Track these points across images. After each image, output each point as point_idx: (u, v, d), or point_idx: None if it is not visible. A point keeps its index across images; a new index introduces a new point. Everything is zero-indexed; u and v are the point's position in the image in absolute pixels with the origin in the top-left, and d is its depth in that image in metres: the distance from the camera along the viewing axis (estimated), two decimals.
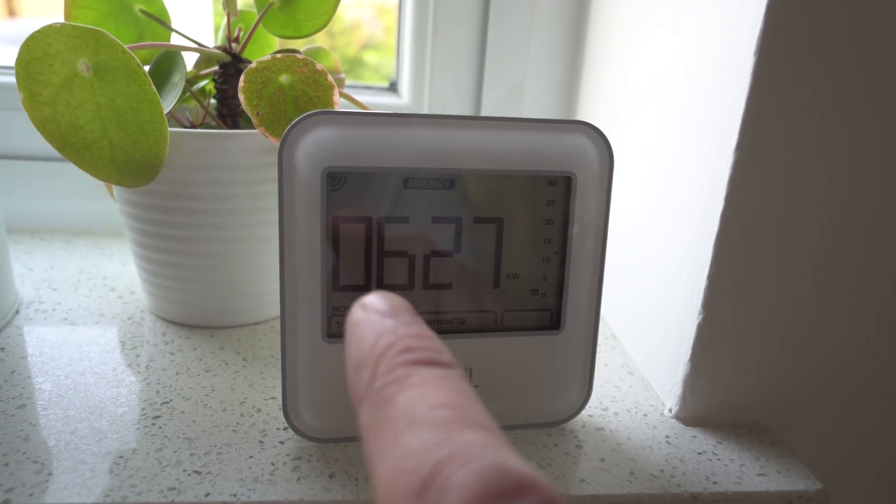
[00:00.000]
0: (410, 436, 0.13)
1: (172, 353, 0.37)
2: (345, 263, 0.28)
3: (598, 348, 0.41)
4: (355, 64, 0.68)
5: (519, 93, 0.56)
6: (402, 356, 0.15)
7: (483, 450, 0.12)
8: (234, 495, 0.26)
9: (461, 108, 0.58)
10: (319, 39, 0.65)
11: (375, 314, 0.16)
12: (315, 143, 0.27)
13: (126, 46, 0.31)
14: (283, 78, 0.33)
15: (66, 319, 0.40)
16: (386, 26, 0.66)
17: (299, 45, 0.44)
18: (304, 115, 0.27)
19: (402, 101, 0.59)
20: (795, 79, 0.28)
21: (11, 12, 0.66)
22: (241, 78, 0.32)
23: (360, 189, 0.28)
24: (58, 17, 0.37)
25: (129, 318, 0.41)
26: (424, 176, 0.28)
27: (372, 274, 0.29)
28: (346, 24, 0.68)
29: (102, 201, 0.54)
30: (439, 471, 0.12)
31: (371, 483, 0.14)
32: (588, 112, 0.51)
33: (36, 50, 0.30)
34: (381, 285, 0.29)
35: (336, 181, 0.27)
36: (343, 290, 0.28)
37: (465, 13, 0.55)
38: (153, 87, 0.31)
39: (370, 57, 0.69)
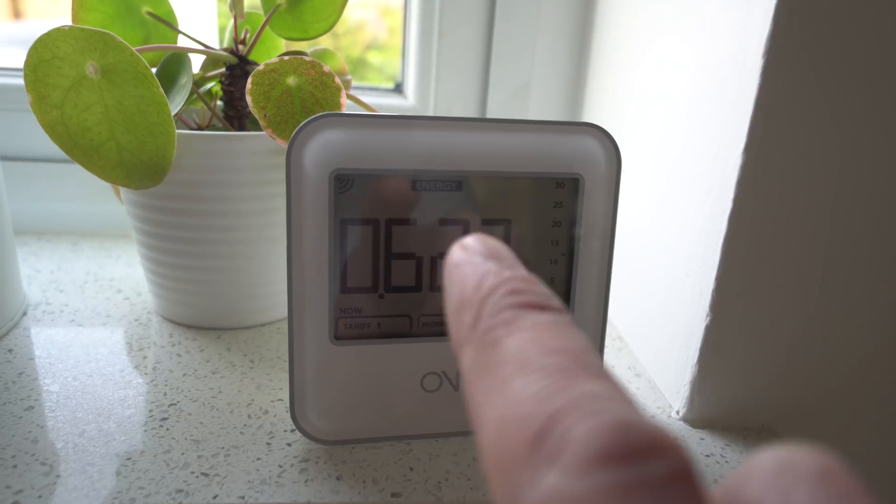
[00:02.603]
0: (523, 381, 0.12)
1: (179, 355, 0.37)
2: (352, 265, 0.28)
3: (605, 350, 0.40)
4: (359, 64, 0.68)
5: (525, 94, 0.56)
6: (509, 298, 0.14)
7: (607, 402, 0.11)
8: (242, 497, 0.26)
9: (467, 109, 0.58)
10: (324, 40, 0.65)
11: (478, 255, 0.15)
12: (323, 146, 0.27)
13: (133, 49, 0.31)
14: (291, 80, 0.33)
15: (73, 321, 0.40)
16: (390, 27, 0.66)
17: (305, 46, 0.44)
18: (312, 117, 0.27)
19: (407, 103, 0.59)
20: (804, 80, 0.28)
21: (17, 14, 0.66)
22: (249, 80, 0.32)
23: (367, 191, 0.28)
24: (63, 18, 0.37)
25: (136, 320, 0.41)
26: (432, 178, 0.28)
27: (379, 276, 0.29)
28: (350, 24, 0.68)
29: (110, 203, 0.54)
30: (558, 421, 0.11)
31: (476, 432, 0.12)
32: (594, 113, 0.51)
33: (44, 52, 0.30)
34: (389, 287, 0.29)
35: (344, 183, 0.27)
36: (350, 293, 0.28)
37: (471, 14, 0.55)
38: (161, 90, 0.31)
39: (374, 58, 0.69)
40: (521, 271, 0.15)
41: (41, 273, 0.46)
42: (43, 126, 0.32)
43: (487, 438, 0.12)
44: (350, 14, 0.68)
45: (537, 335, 0.13)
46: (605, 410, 0.11)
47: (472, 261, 0.15)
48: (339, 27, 0.70)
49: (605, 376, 0.12)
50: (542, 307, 0.14)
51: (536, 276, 0.15)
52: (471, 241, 0.16)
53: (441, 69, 0.56)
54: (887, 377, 0.35)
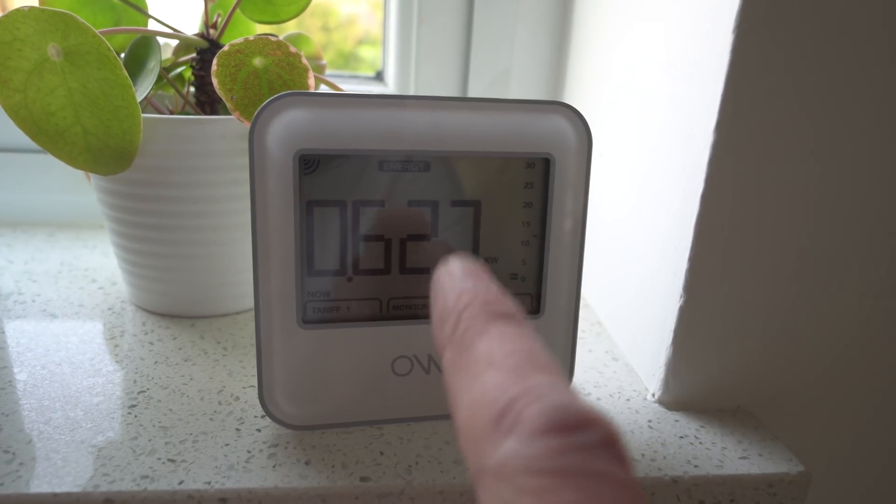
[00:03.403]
0: (489, 375, 0.15)
1: (152, 343, 0.36)
2: (319, 248, 0.28)
3: (584, 335, 0.40)
4: (351, 59, 0.68)
5: (505, 80, 0.56)
6: (482, 308, 0.17)
7: (550, 389, 0.14)
8: (208, 483, 0.26)
9: (447, 95, 0.57)
10: (316, 34, 0.65)
11: (458, 274, 0.19)
12: (287, 125, 0.26)
13: (98, 31, 0.30)
14: (257, 61, 0.32)
15: (45, 311, 0.39)
16: (381, 21, 0.66)
17: (282, 32, 0.44)
18: (276, 96, 0.26)
19: (388, 90, 0.59)
20: (774, 57, 0.28)
21: (4, 10, 0.65)
22: (214, 62, 0.32)
23: (334, 172, 0.27)
24: None
25: (110, 309, 0.40)
26: (399, 158, 0.28)
27: (347, 259, 0.28)
28: (341, 19, 0.68)
29: (86, 194, 0.54)
30: (513, 404, 0.14)
31: (453, 415, 0.16)
32: (574, 98, 0.51)
33: (4, 34, 0.30)
34: (357, 270, 0.28)
35: (309, 164, 0.27)
36: (318, 276, 0.28)
37: (451, 1, 0.54)
38: (124, 72, 0.31)
39: (366, 52, 0.68)
40: (494, 287, 0.19)
41: (14, 263, 0.46)
42: (6, 111, 0.31)
43: (462, 419, 0.15)
44: (341, 9, 0.67)
45: (501, 339, 0.16)
46: (549, 394, 0.14)
47: (453, 278, 0.19)
48: (331, 21, 0.69)
49: (551, 371, 0.15)
50: (507, 317, 0.17)
51: (506, 292, 0.18)
52: (454, 264, 0.20)
53: (421, 56, 0.56)
54: (862, 358, 0.35)
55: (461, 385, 0.16)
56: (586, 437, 0.13)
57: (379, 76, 0.61)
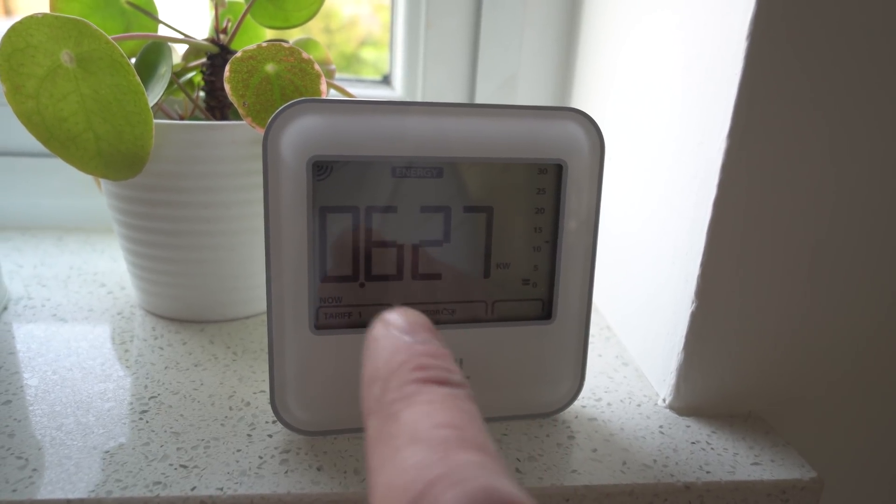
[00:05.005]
0: (409, 452, 0.13)
1: (162, 348, 0.36)
2: (332, 254, 0.28)
3: (594, 340, 0.40)
4: (353, 60, 0.68)
5: (513, 84, 0.56)
6: (413, 374, 0.15)
7: (476, 471, 0.12)
8: (221, 489, 0.26)
9: (455, 100, 0.57)
10: (318, 36, 0.65)
11: (395, 330, 0.17)
12: (300, 132, 0.26)
13: (110, 37, 0.31)
14: (270, 67, 0.32)
15: (55, 315, 0.39)
16: (384, 23, 0.66)
17: (290, 36, 0.44)
18: (289, 103, 0.26)
19: (395, 94, 0.59)
20: (788, 63, 0.28)
21: (7, 11, 0.65)
22: (227, 68, 0.32)
23: (346, 178, 0.27)
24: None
25: (119, 314, 0.40)
26: (412, 164, 0.28)
27: (360, 264, 0.28)
28: (343, 20, 0.68)
29: (94, 198, 0.54)
30: (430, 488, 0.12)
31: (368, 494, 0.14)
32: (582, 102, 0.51)
33: (18, 41, 0.30)
34: (370, 276, 0.28)
35: (322, 170, 0.27)
36: (330, 281, 0.28)
37: (458, 4, 0.55)
38: (137, 78, 0.31)
39: (368, 53, 0.68)
40: (432, 346, 0.16)
41: (24, 268, 0.46)
42: (19, 117, 0.31)
43: (375, 502, 0.13)
44: (343, 10, 0.67)
45: (430, 409, 0.14)
46: (473, 478, 0.12)
47: (388, 335, 0.17)
48: (333, 23, 0.69)
49: (482, 448, 0.13)
50: (442, 381, 0.15)
51: (447, 351, 0.16)
52: (392, 316, 0.17)
53: (428, 60, 0.56)
54: (875, 363, 0.35)
55: (379, 461, 0.14)
56: None
57: (386, 80, 0.61)
